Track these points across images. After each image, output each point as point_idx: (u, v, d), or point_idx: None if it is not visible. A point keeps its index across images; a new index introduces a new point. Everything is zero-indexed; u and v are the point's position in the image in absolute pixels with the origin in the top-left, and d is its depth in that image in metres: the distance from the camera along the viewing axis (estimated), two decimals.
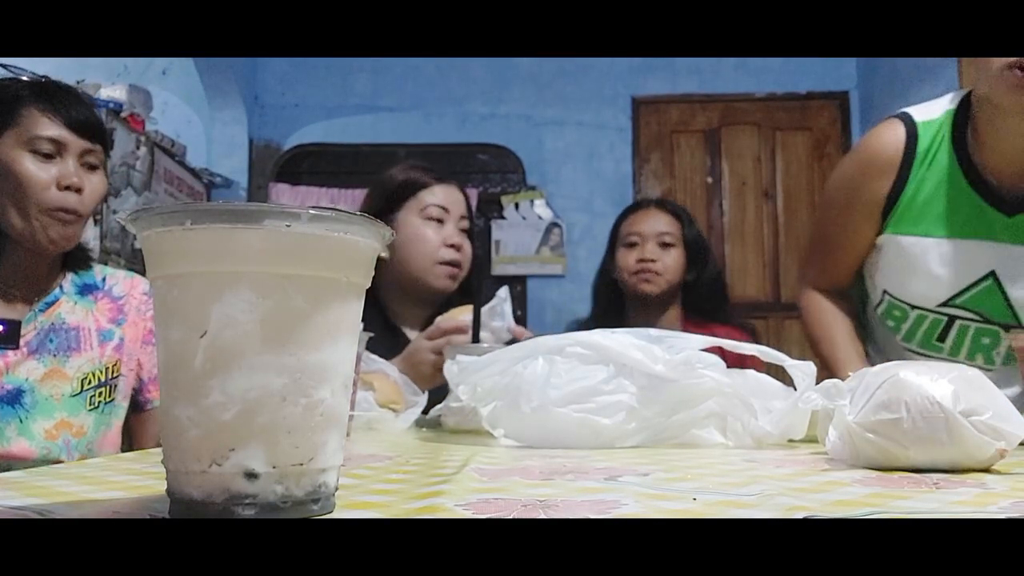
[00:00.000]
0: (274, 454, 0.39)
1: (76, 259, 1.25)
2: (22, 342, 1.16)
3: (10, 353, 1.15)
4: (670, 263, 1.81)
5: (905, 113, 1.22)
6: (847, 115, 4.25)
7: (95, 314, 1.23)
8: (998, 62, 1.07)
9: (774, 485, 0.52)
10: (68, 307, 1.22)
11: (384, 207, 1.52)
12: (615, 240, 1.90)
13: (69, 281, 1.24)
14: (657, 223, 1.83)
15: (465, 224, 1.56)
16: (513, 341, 1.25)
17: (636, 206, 1.95)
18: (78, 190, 1.14)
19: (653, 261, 1.79)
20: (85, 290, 1.25)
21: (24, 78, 1.24)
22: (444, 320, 1.29)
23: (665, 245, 1.81)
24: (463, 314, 1.26)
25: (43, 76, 1.24)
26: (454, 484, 0.52)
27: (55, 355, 1.18)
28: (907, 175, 1.19)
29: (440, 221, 1.52)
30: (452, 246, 1.51)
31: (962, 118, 1.18)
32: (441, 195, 1.54)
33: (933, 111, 1.21)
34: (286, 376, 0.40)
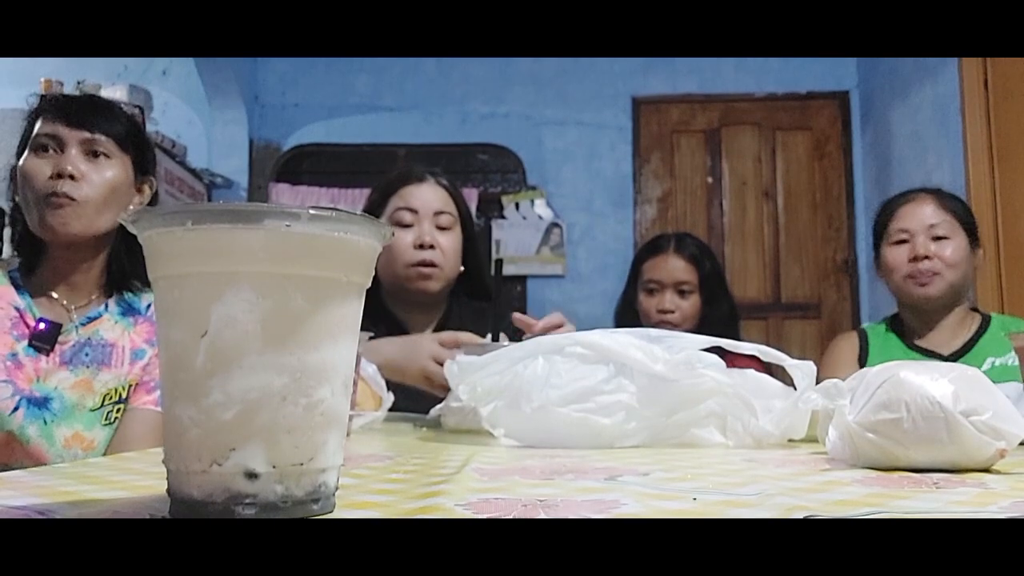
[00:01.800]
0: (274, 454, 0.39)
1: (122, 279, 1.25)
2: (58, 349, 1.17)
3: (43, 360, 1.16)
4: (688, 310, 1.90)
5: (860, 328, 1.80)
6: (848, 115, 4.24)
7: (132, 335, 1.24)
8: (898, 275, 1.62)
9: (774, 485, 0.52)
10: (108, 324, 1.23)
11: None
12: (636, 276, 1.97)
13: (114, 301, 1.25)
14: (676, 271, 1.91)
15: (444, 220, 1.50)
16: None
17: (657, 247, 1.97)
18: (71, 176, 1.15)
19: (672, 312, 1.89)
20: (128, 312, 1.26)
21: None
22: (463, 335, 1.24)
23: (683, 293, 1.90)
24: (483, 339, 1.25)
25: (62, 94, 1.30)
26: (454, 484, 0.52)
27: (87, 367, 1.19)
28: (865, 358, 1.68)
29: (409, 224, 1.48)
30: (422, 246, 1.46)
31: (896, 317, 1.72)
32: (408, 196, 1.50)
33: (878, 321, 1.79)
34: (286, 376, 0.40)
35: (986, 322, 1.64)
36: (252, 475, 0.39)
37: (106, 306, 1.24)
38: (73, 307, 1.22)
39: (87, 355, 1.19)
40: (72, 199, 1.15)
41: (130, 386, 1.22)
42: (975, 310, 1.68)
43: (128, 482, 0.53)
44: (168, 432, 0.41)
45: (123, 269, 1.25)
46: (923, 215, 1.61)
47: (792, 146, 4.27)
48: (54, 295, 1.21)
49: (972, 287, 1.67)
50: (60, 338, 1.18)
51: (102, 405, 1.19)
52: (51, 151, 1.17)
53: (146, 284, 1.26)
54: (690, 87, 4.30)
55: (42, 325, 1.17)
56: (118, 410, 1.20)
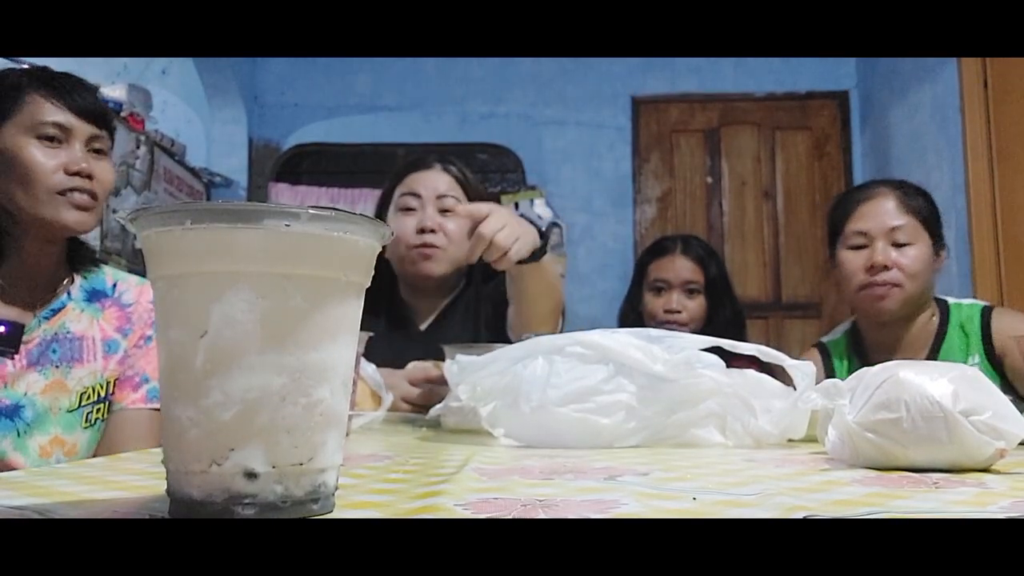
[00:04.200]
0: (274, 454, 0.39)
1: (82, 259, 1.19)
2: (23, 350, 1.09)
3: (8, 363, 1.08)
4: (695, 310, 1.89)
5: (819, 342, 1.68)
6: (847, 114, 4.24)
7: (101, 323, 1.17)
8: (853, 284, 1.48)
9: (774, 485, 0.52)
10: (74, 315, 1.15)
11: (378, 211, 1.57)
12: (642, 277, 1.97)
13: (77, 287, 1.17)
14: (682, 271, 1.90)
15: (448, 203, 1.50)
16: None
17: (664, 249, 1.95)
18: (88, 176, 1.09)
19: (679, 312, 1.87)
20: (93, 296, 1.18)
21: (26, 66, 1.19)
22: (432, 370, 1.23)
23: (690, 292, 1.89)
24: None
25: (43, 66, 1.17)
26: (454, 484, 0.52)
27: (58, 366, 1.11)
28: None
29: (412, 209, 1.50)
30: (423, 230, 1.48)
31: (855, 331, 1.61)
32: (412, 183, 1.52)
33: (836, 333, 1.66)
34: (286, 376, 0.40)
35: (944, 323, 1.51)
36: (251, 475, 0.39)
37: (69, 294, 1.16)
38: (36, 301, 1.13)
39: (55, 352, 1.11)
40: (95, 197, 1.10)
41: (109, 383, 1.15)
42: (936, 299, 1.54)
43: (127, 482, 0.53)
44: (167, 432, 0.41)
45: (83, 249, 1.19)
46: (884, 216, 1.46)
47: (791, 146, 4.27)
48: (12, 292, 1.12)
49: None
50: (24, 337, 1.10)
51: (80, 405, 1.12)
52: (58, 142, 1.09)
53: (93, 266, 1.21)
54: (689, 87, 4.30)
55: (2, 328, 1.08)
56: (98, 410, 1.14)
